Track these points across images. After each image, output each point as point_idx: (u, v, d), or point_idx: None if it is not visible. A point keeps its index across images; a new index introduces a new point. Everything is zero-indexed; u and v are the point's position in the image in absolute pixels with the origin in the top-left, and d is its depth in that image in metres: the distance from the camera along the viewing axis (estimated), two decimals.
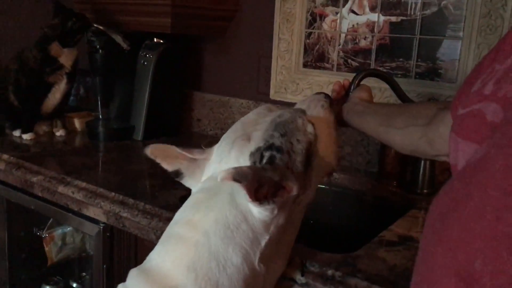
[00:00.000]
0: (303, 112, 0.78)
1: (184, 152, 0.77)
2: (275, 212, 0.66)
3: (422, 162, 1.16)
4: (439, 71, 1.24)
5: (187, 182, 0.78)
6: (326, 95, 0.85)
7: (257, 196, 0.62)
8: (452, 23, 1.20)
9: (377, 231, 0.95)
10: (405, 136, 0.78)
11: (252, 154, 0.69)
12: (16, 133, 1.55)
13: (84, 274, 1.47)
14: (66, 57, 1.52)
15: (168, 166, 0.77)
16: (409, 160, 1.20)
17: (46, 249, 1.38)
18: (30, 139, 1.53)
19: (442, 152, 0.72)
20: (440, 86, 1.24)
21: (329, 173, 0.81)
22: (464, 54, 1.19)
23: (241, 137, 0.72)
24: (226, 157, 0.72)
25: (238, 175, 0.57)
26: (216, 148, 0.76)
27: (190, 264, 0.64)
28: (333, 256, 0.82)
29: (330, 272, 0.78)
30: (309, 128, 0.74)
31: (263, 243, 0.67)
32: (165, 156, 0.77)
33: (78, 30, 1.50)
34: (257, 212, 0.65)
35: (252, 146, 0.70)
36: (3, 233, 1.42)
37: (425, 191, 1.16)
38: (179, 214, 0.71)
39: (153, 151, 0.76)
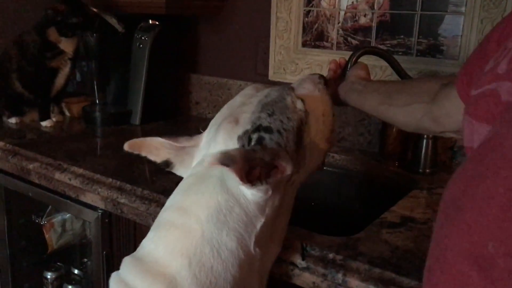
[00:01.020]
0: (291, 89, 0.76)
1: (170, 141, 0.75)
2: (269, 193, 0.64)
3: (424, 141, 1.14)
4: (441, 47, 1.20)
5: (178, 170, 0.77)
6: (320, 75, 0.84)
7: (249, 178, 0.60)
8: None
9: (379, 212, 0.94)
10: (408, 114, 0.77)
11: (240, 138, 0.68)
12: (12, 120, 1.53)
13: (85, 260, 1.47)
14: (65, 44, 1.49)
15: (156, 158, 0.76)
16: (411, 139, 1.18)
17: (46, 236, 1.37)
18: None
19: (447, 129, 0.71)
20: (442, 63, 1.21)
21: (325, 153, 0.79)
22: (466, 30, 1.16)
23: (227, 119, 0.70)
24: (214, 141, 0.70)
25: (225, 159, 0.56)
26: (206, 133, 0.75)
27: (183, 250, 0.63)
28: (333, 239, 0.81)
29: (331, 255, 0.77)
30: (299, 105, 0.72)
31: (258, 226, 0.66)
32: (149, 148, 0.75)
33: (79, 27, 1.46)
34: (251, 194, 0.64)
35: (239, 129, 0.68)
36: (3, 221, 1.41)
37: (427, 170, 1.14)
38: (170, 200, 0.70)
39: (131, 145, 0.75)
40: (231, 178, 0.61)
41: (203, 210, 0.64)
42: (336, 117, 0.81)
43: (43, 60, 1.48)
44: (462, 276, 0.41)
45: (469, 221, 0.42)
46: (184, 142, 0.75)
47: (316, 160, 0.77)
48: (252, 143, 0.66)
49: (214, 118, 0.76)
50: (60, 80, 1.53)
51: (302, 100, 0.73)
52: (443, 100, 0.68)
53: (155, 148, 0.76)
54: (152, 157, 0.76)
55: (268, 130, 0.67)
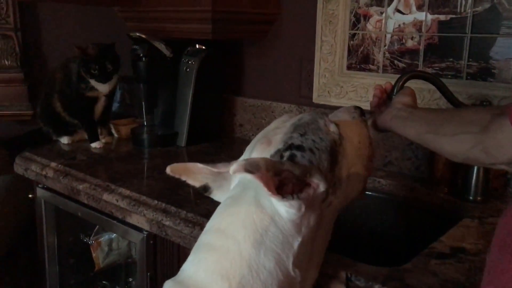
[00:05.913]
0: (324, 113, 0.78)
1: (208, 167, 0.76)
2: (302, 209, 0.64)
3: (475, 167, 1.10)
4: (493, 71, 1.17)
5: (215, 195, 0.78)
6: (356, 107, 0.85)
7: (281, 192, 0.61)
8: (507, 19, 1.13)
9: (426, 241, 0.90)
10: (456, 144, 0.74)
11: (272, 156, 0.69)
12: (64, 140, 1.58)
13: (130, 279, 1.49)
14: (96, 83, 1.51)
15: (195, 182, 0.78)
16: (461, 165, 1.14)
17: (94, 255, 1.41)
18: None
19: (499, 161, 0.68)
20: (493, 86, 1.17)
21: (364, 180, 0.79)
22: None
23: (261, 140, 0.73)
24: None
25: (249, 166, 0.57)
26: (242, 158, 0.76)
27: (223, 272, 0.63)
28: (379, 270, 0.78)
29: (376, 286, 0.74)
30: (332, 128, 0.74)
31: (295, 245, 0.66)
32: (189, 172, 0.77)
33: (94, 76, 1.50)
34: (284, 211, 0.64)
35: (272, 149, 0.70)
36: (53, 239, 1.46)
37: (478, 198, 1.10)
38: (209, 223, 0.71)
39: (173, 169, 0.76)
40: (264, 196, 0.62)
41: (240, 231, 0.65)
42: (374, 145, 0.81)
43: (80, 89, 1.53)
44: None
45: None
46: (222, 167, 0.76)
47: (354, 185, 0.77)
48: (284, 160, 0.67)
49: (250, 143, 0.77)
50: (98, 108, 1.58)
51: (336, 125, 0.74)
52: (495, 131, 0.65)
53: (194, 173, 0.77)
54: (191, 182, 0.78)
55: (299, 148, 0.68)
